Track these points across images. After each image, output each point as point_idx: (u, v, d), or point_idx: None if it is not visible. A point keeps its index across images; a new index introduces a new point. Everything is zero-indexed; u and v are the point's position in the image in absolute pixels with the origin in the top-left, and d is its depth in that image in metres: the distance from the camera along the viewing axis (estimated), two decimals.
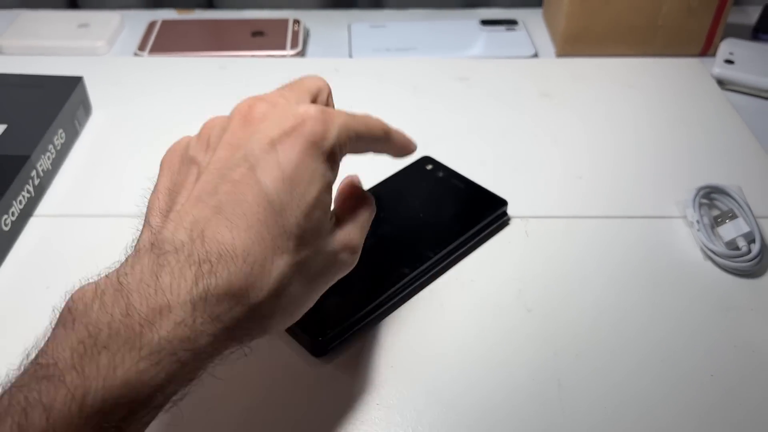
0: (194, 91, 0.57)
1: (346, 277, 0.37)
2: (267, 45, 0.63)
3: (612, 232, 0.43)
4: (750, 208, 0.42)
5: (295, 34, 0.65)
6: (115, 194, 0.46)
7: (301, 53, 0.64)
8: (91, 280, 0.24)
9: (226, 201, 0.26)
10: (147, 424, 0.24)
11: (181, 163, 0.29)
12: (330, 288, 0.37)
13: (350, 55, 0.64)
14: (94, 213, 0.45)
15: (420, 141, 0.50)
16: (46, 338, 0.23)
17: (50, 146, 0.47)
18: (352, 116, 0.30)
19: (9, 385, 0.22)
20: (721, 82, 0.59)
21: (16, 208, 0.42)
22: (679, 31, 0.61)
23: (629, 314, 0.38)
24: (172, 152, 0.30)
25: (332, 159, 0.29)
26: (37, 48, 0.63)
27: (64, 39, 0.64)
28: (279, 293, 0.26)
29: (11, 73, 0.53)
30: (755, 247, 0.40)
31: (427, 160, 0.47)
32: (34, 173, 0.45)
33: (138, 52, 0.63)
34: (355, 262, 0.31)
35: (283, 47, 0.63)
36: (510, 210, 0.44)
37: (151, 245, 0.25)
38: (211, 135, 0.29)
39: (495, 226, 0.43)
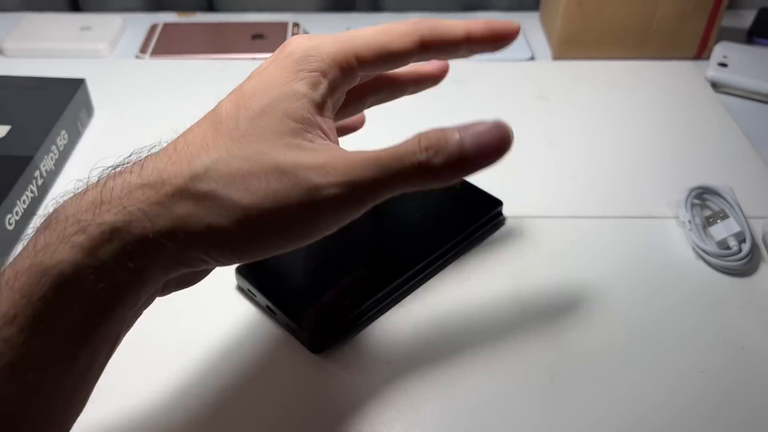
0: (195, 93, 0.58)
1: (343, 275, 0.38)
2: (267, 48, 0.64)
3: (605, 232, 0.44)
4: (741, 209, 0.43)
5: None
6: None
7: None
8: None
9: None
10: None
11: None
12: (328, 285, 0.38)
13: None
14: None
15: None
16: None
17: (53, 147, 0.48)
18: (352, 38, 0.29)
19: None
20: (715, 85, 0.60)
21: (20, 207, 0.43)
22: (674, 34, 0.62)
23: (622, 311, 0.39)
24: None
25: (313, 80, 0.27)
26: (39, 50, 0.64)
27: (67, 41, 0.65)
28: (200, 177, 0.25)
29: (14, 75, 0.54)
30: (746, 247, 0.41)
31: None
32: (37, 174, 0.45)
33: (140, 54, 0.64)
34: (337, 190, 0.26)
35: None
36: (505, 210, 0.45)
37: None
38: None
39: (490, 226, 0.44)
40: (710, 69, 0.60)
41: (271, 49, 0.64)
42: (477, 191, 0.45)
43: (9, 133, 0.47)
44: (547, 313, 0.38)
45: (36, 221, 0.26)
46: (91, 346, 0.24)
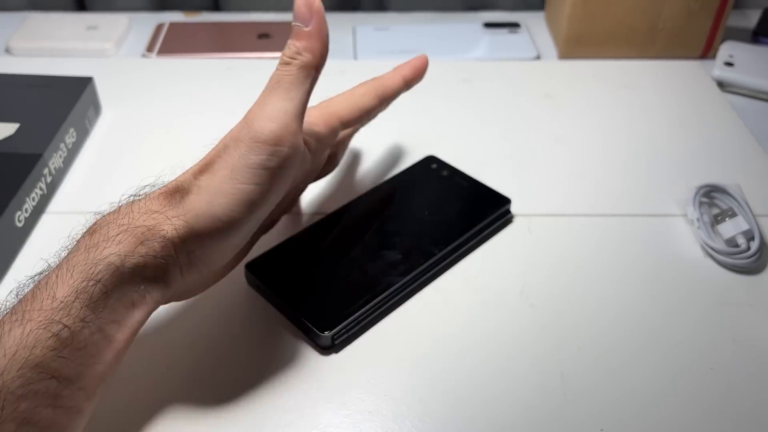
0: (201, 92, 0.58)
1: (353, 273, 0.38)
2: (273, 47, 0.64)
3: (614, 230, 0.44)
4: (749, 207, 0.43)
5: None
6: (124, 191, 0.47)
7: None
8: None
9: None
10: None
11: None
12: (337, 282, 0.38)
13: (355, 57, 0.65)
14: (104, 210, 0.46)
15: (425, 141, 0.52)
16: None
17: (62, 145, 0.48)
18: (330, 104, 0.39)
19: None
20: (721, 84, 0.60)
21: (29, 205, 0.43)
22: (680, 33, 0.62)
23: (631, 309, 0.39)
24: None
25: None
26: (46, 49, 0.64)
27: (73, 41, 0.65)
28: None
29: (23, 74, 0.54)
30: (754, 245, 0.41)
31: (431, 159, 0.48)
32: (46, 171, 0.45)
33: (146, 53, 0.64)
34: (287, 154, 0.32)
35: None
36: (513, 208, 0.45)
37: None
38: None
39: (499, 223, 0.44)
40: (716, 68, 0.60)
41: (278, 49, 0.64)
42: (485, 189, 0.45)
43: (18, 130, 0.47)
44: (556, 311, 0.38)
45: (71, 230, 0.31)
46: (128, 329, 0.29)
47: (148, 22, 0.69)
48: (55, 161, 0.47)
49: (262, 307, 0.38)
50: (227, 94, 0.57)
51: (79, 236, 0.29)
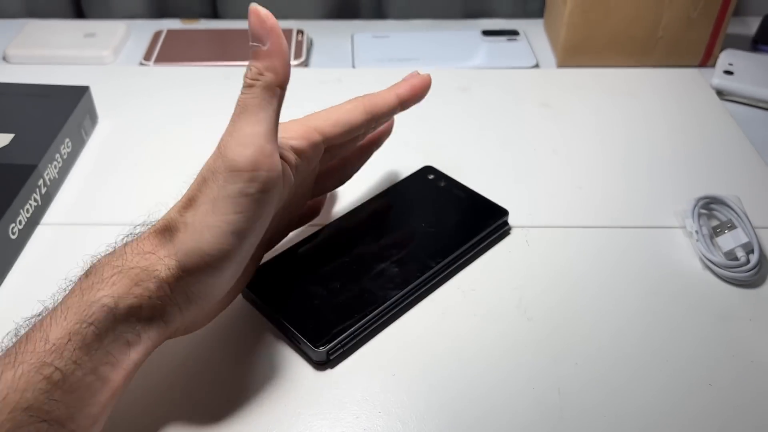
0: (199, 101, 0.58)
1: (348, 286, 0.38)
2: None
3: (612, 242, 0.44)
4: (749, 219, 0.43)
5: (299, 45, 0.66)
6: (121, 203, 0.47)
7: (305, 63, 0.65)
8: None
9: None
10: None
11: None
12: (332, 297, 0.37)
13: (353, 66, 0.64)
14: (100, 222, 0.45)
15: (421, 151, 0.51)
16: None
17: (57, 155, 0.48)
18: (312, 117, 0.37)
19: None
20: (721, 93, 0.59)
21: (24, 216, 0.43)
22: (679, 41, 0.62)
23: (629, 323, 0.38)
24: None
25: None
26: (43, 57, 0.64)
27: (71, 48, 0.65)
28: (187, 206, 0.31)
29: (18, 83, 0.54)
30: (754, 258, 0.40)
31: (428, 169, 0.47)
32: (41, 182, 0.45)
33: (143, 61, 0.64)
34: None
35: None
36: (511, 220, 0.44)
37: None
38: None
39: (496, 235, 0.43)
40: (716, 77, 0.59)
41: None
42: (483, 200, 0.45)
43: (13, 141, 0.47)
44: (553, 325, 0.38)
45: (68, 275, 0.31)
46: (124, 370, 0.29)
47: (146, 29, 0.69)
48: (50, 172, 0.47)
49: (257, 321, 0.38)
50: (225, 103, 0.56)
51: (76, 278, 0.30)
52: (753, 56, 0.62)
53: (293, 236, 0.43)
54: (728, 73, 0.60)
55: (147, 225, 0.32)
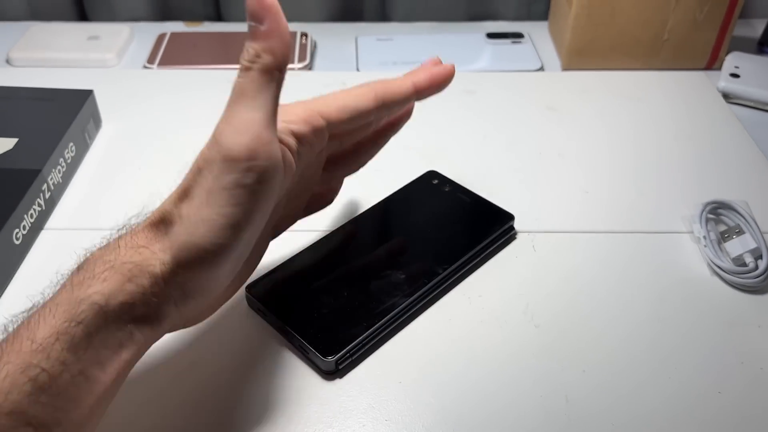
0: (203, 104, 0.57)
1: (355, 294, 0.38)
2: None
3: (619, 248, 0.43)
4: (757, 224, 0.42)
5: (303, 48, 0.66)
6: (125, 207, 0.47)
7: (309, 66, 0.64)
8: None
9: None
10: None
11: None
12: (339, 305, 0.37)
13: (357, 69, 0.64)
14: (104, 226, 0.45)
15: (425, 155, 0.51)
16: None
17: (61, 160, 0.47)
18: (316, 100, 0.34)
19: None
20: (727, 96, 0.59)
21: (27, 221, 0.43)
22: (685, 44, 0.61)
23: (636, 329, 0.38)
24: None
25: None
26: (47, 60, 0.64)
27: (74, 51, 0.64)
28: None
29: (22, 87, 0.54)
30: (762, 264, 0.40)
31: (433, 174, 0.47)
32: (45, 187, 0.45)
33: (147, 64, 0.64)
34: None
35: (290, 60, 0.64)
36: (517, 224, 0.44)
37: None
38: None
39: (502, 240, 0.43)
40: (722, 80, 0.59)
41: None
42: (488, 205, 0.44)
43: (16, 145, 0.47)
44: (560, 331, 0.38)
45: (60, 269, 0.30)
46: (114, 371, 0.27)
47: (150, 31, 0.69)
48: (54, 177, 0.46)
49: (263, 329, 0.38)
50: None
51: (68, 272, 0.28)
52: (759, 59, 0.62)
53: (298, 243, 0.42)
54: (735, 76, 0.59)
55: (142, 216, 0.30)
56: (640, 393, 0.35)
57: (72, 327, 0.26)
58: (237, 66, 0.30)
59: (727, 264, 0.41)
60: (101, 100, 0.55)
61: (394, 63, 0.64)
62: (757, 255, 0.41)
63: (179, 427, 0.33)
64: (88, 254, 0.29)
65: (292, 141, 0.32)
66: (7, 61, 0.64)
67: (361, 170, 0.50)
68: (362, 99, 0.34)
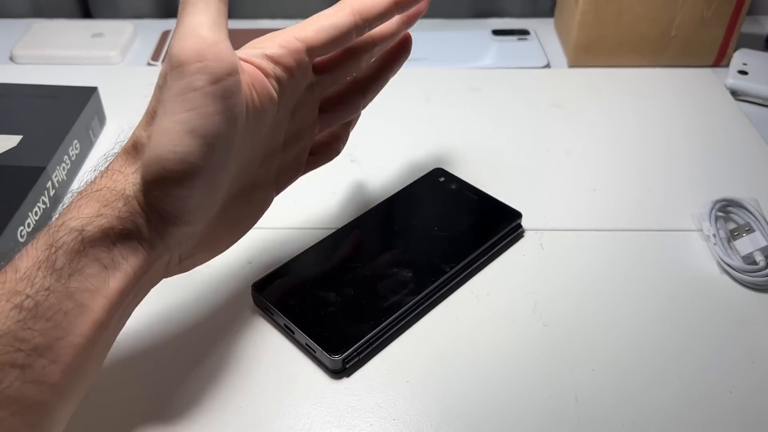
0: None
1: (362, 292, 0.37)
2: None
3: (627, 246, 0.43)
4: (767, 222, 0.42)
5: None
6: None
7: None
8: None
9: None
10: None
11: None
12: (346, 303, 0.37)
13: None
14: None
15: (432, 152, 0.51)
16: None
17: (65, 157, 0.47)
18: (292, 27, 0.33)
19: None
20: (735, 93, 0.59)
21: (32, 219, 0.43)
22: (692, 41, 0.61)
23: (646, 328, 0.38)
24: None
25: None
26: (50, 57, 0.63)
27: (78, 48, 0.64)
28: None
29: (26, 84, 0.53)
30: None
31: (439, 172, 0.47)
32: (49, 184, 0.45)
33: (151, 62, 0.63)
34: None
35: None
36: (524, 222, 0.44)
37: None
38: None
39: (510, 239, 0.43)
40: (730, 77, 0.59)
41: None
42: (495, 203, 0.44)
43: (20, 143, 0.46)
44: (568, 330, 0.38)
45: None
46: (104, 298, 0.27)
47: (154, 28, 0.69)
48: (59, 174, 0.46)
49: (269, 328, 0.38)
50: None
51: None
52: (767, 56, 0.62)
53: (303, 240, 0.42)
54: (742, 73, 0.59)
55: (118, 147, 0.30)
56: (650, 392, 0.34)
57: (52, 253, 0.26)
58: None
59: (737, 262, 0.40)
60: (105, 97, 0.55)
61: None
62: (767, 253, 0.40)
63: (184, 425, 0.33)
64: (71, 196, 0.29)
65: (266, 64, 0.31)
66: (11, 59, 0.64)
67: (367, 167, 0.49)
68: (338, 15, 0.33)
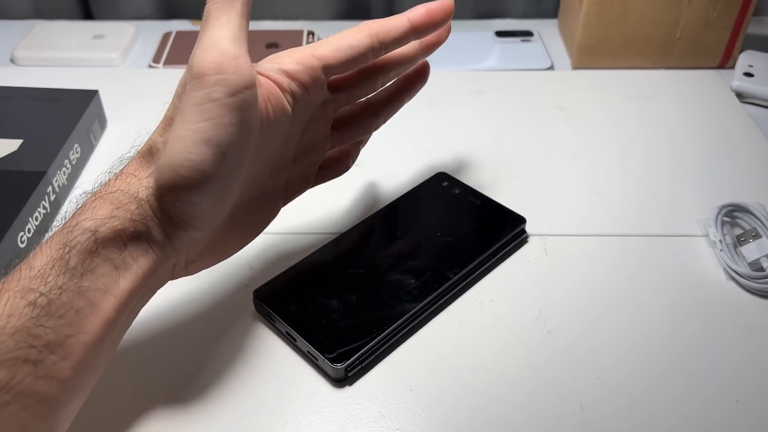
0: None
1: (364, 300, 0.37)
2: None
3: (632, 251, 0.43)
4: None
5: None
6: None
7: None
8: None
9: None
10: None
11: None
12: (348, 310, 0.36)
13: None
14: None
15: (435, 156, 0.50)
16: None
17: (66, 161, 0.47)
18: (310, 46, 0.34)
19: None
20: (741, 95, 0.58)
21: (32, 224, 0.42)
22: (698, 43, 0.60)
23: (651, 335, 0.37)
24: None
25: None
26: (51, 59, 0.63)
27: (79, 50, 0.64)
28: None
29: (26, 87, 0.53)
30: None
31: (442, 176, 0.47)
32: (50, 189, 0.44)
33: (152, 63, 0.63)
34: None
35: None
36: (528, 227, 0.43)
37: None
38: None
39: (513, 244, 0.42)
40: (735, 79, 0.58)
41: None
42: (499, 208, 0.44)
43: (21, 147, 0.46)
44: (573, 337, 0.37)
45: (59, 221, 0.31)
46: (114, 298, 0.28)
47: (155, 30, 0.68)
48: (59, 178, 0.46)
49: (271, 335, 0.37)
50: None
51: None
52: None
53: (306, 246, 0.42)
54: (748, 75, 0.58)
55: (133, 151, 0.31)
56: (656, 401, 0.34)
57: (66, 252, 0.27)
58: None
59: (744, 269, 0.40)
60: (106, 100, 0.54)
61: None
62: None
63: None
64: (85, 195, 0.30)
65: (282, 79, 0.32)
66: (12, 60, 0.64)
67: (369, 171, 0.49)
68: (356, 37, 0.34)
